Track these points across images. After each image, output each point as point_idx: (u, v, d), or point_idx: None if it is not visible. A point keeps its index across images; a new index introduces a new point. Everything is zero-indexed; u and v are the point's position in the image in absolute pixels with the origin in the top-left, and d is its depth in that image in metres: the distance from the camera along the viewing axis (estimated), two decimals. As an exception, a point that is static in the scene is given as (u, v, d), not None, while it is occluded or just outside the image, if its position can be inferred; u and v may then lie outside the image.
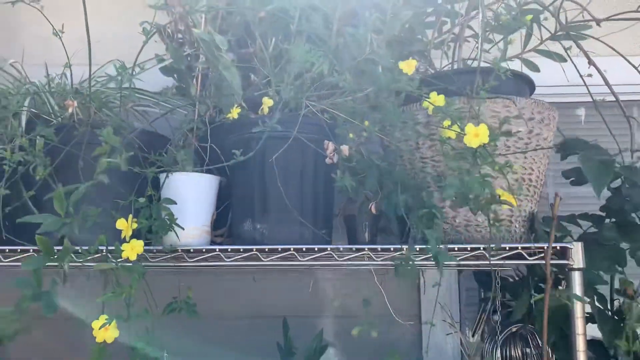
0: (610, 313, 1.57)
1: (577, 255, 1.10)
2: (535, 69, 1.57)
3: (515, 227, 1.24)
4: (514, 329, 1.51)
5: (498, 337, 1.50)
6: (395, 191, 1.15)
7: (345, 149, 1.06)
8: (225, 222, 1.33)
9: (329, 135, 1.17)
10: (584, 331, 1.09)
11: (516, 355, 1.55)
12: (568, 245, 1.11)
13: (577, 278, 1.10)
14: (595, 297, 1.53)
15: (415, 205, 1.14)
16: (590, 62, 1.37)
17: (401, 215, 1.14)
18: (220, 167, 1.20)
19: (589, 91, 1.55)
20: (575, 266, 1.10)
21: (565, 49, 1.50)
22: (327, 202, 1.22)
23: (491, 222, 1.07)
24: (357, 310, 1.90)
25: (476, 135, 1.00)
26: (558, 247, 1.13)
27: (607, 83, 1.38)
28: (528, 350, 1.57)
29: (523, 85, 1.36)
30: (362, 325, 1.73)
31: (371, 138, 1.20)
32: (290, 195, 1.15)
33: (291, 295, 1.93)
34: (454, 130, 1.08)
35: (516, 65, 1.54)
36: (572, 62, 1.51)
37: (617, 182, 1.55)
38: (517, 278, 1.61)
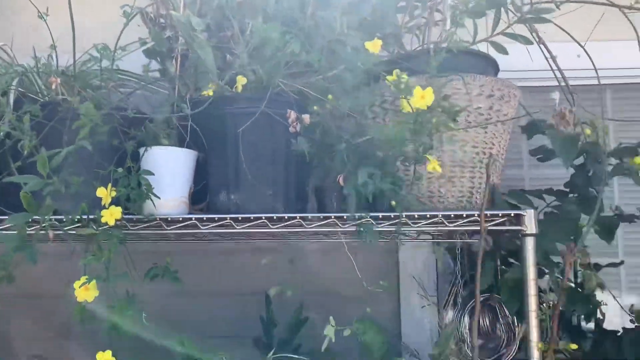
0: (574, 284, 1.64)
1: (530, 222, 1.17)
2: (504, 51, 1.63)
3: (476, 198, 1.31)
4: (481, 299, 1.58)
5: (466, 307, 1.57)
6: (360, 164, 1.22)
7: (306, 117, 1.12)
8: (205, 198, 1.40)
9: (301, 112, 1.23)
10: (535, 292, 1.16)
11: (484, 324, 1.62)
12: (522, 213, 1.18)
13: (529, 243, 1.17)
14: (555, 269, 1.60)
15: (380, 177, 1.21)
16: (541, 42, 1.43)
17: (365, 186, 1.21)
18: (198, 142, 1.28)
19: (555, 75, 1.61)
20: (528, 232, 1.17)
21: (531, 32, 1.56)
22: (300, 175, 1.28)
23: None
24: (337, 286, 1.99)
25: (422, 97, 1.07)
26: (512, 214, 1.19)
27: (557, 67, 1.44)
28: (496, 319, 1.64)
29: (487, 66, 1.42)
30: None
31: (341, 115, 1.26)
32: (262, 168, 1.22)
33: (273, 273, 2.00)
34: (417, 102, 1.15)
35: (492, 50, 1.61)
36: (540, 46, 1.58)
37: (581, 160, 1.63)
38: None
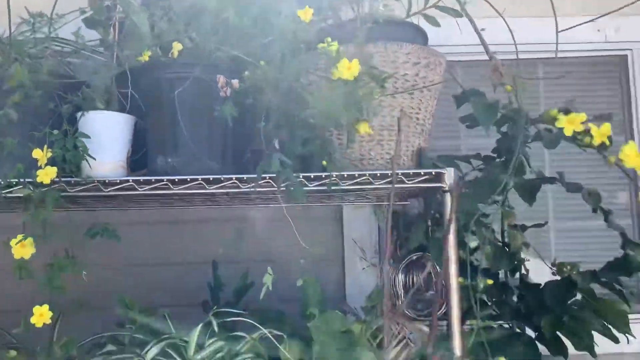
0: (501, 243, 1.75)
1: (450, 180, 1.25)
2: (436, 23, 1.70)
3: (404, 160, 1.38)
4: (414, 257, 1.67)
5: (399, 266, 1.66)
6: (295, 128, 1.28)
7: (235, 82, 1.17)
8: (146, 165, 1.44)
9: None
10: (455, 243, 1.25)
11: (418, 282, 1.71)
12: (442, 171, 1.26)
13: (449, 200, 1.25)
14: (483, 229, 1.70)
15: (312, 141, 1.27)
16: (465, 15, 1.51)
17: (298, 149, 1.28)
18: (141, 110, 1.31)
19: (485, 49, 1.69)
20: (447, 189, 1.25)
21: (461, 4, 1.64)
22: (238, 139, 1.33)
23: (349, 139, 1.21)
24: (285, 254, 2.05)
25: (349, 69, 1.13)
26: (434, 173, 1.27)
27: (482, 41, 1.52)
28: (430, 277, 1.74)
29: (416, 36, 1.49)
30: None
31: (276, 81, 1.31)
32: (199, 132, 1.26)
33: (220, 242, 2.05)
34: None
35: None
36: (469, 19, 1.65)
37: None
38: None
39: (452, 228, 1.24)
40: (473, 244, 1.61)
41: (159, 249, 2.05)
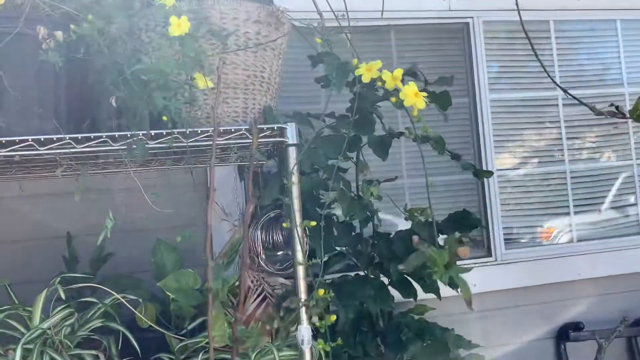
0: (355, 195, 1.84)
1: (292, 134, 1.28)
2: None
3: (251, 117, 1.40)
4: (272, 215, 1.71)
5: (258, 223, 1.69)
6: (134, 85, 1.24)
7: (59, 34, 1.11)
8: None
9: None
10: (298, 194, 1.29)
11: (277, 238, 1.75)
12: (284, 126, 1.29)
13: (291, 153, 1.29)
14: (341, 182, 1.78)
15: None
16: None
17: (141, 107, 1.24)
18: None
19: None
20: (289, 142, 1.28)
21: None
22: (73, 97, 1.26)
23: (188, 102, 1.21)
24: (150, 223, 1.99)
25: (178, 26, 1.12)
26: (275, 127, 1.30)
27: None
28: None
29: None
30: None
31: (113, 37, 1.26)
32: (28, 90, 1.18)
33: (77, 216, 1.95)
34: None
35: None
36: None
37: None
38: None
39: (296, 180, 1.28)
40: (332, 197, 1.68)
41: (10, 225, 1.92)
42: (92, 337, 1.33)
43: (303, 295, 1.27)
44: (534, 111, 2.60)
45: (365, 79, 1.34)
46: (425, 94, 1.53)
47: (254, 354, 1.29)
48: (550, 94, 2.59)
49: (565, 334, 2.40)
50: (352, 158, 1.85)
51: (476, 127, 2.48)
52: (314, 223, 1.28)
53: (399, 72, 1.31)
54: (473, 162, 2.50)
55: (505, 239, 2.47)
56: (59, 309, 1.31)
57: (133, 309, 1.39)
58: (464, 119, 2.52)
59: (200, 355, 1.29)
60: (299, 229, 1.28)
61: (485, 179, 2.46)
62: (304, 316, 1.27)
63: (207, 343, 1.29)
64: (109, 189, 2.05)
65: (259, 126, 1.28)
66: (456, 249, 1.34)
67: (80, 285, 1.40)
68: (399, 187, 2.42)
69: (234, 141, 1.26)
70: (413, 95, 1.30)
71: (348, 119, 1.77)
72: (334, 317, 1.16)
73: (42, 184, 1.83)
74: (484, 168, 2.47)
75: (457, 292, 1.68)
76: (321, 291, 1.20)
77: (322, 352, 1.39)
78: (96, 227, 1.97)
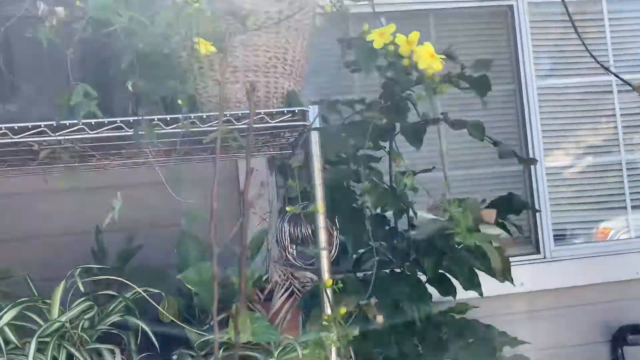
0: (388, 187, 1.73)
1: (314, 116, 1.19)
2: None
3: (273, 102, 1.32)
4: (302, 207, 1.62)
5: (285, 216, 1.60)
6: (151, 70, 1.18)
7: (60, 10, 1.05)
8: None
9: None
10: (321, 182, 1.20)
11: (307, 233, 1.67)
12: (305, 109, 1.20)
13: (314, 138, 1.20)
14: (372, 173, 1.68)
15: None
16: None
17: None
18: None
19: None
20: (312, 126, 1.19)
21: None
22: (88, 82, 1.21)
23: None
24: (177, 217, 1.95)
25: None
26: (297, 110, 1.22)
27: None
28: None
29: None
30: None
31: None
32: (38, 78, 1.14)
33: (103, 211, 1.92)
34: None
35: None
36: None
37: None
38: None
39: (319, 165, 1.19)
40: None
41: (38, 220, 1.91)
42: (112, 331, 1.28)
43: (329, 292, 1.18)
44: (586, 99, 2.41)
45: (377, 45, 1.23)
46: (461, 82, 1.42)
47: (277, 351, 1.21)
48: (604, 79, 2.40)
49: (623, 337, 2.21)
50: (385, 147, 1.75)
51: (522, 116, 2.32)
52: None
53: (415, 36, 1.19)
54: (520, 154, 2.35)
55: (554, 235, 2.30)
56: (78, 301, 1.26)
57: (155, 304, 1.33)
58: (510, 108, 2.37)
59: (221, 351, 1.22)
60: (322, 219, 1.18)
61: (533, 170, 2.30)
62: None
63: (228, 339, 1.22)
64: (141, 182, 2.01)
65: (278, 109, 1.20)
66: (480, 211, 1.17)
67: (100, 277, 1.35)
68: (438, 179, 2.29)
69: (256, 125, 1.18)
70: (428, 56, 1.17)
71: (379, 105, 1.68)
72: (343, 310, 1.06)
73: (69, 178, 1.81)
74: (533, 167, 2.31)
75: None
76: (329, 281, 1.10)
77: (351, 352, 1.29)
78: (126, 222, 1.96)
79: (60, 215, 1.94)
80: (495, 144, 1.57)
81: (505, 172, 2.34)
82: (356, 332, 1.13)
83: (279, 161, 1.82)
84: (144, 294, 1.32)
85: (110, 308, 1.32)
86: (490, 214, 1.16)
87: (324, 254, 1.17)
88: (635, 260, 2.29)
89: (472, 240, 1.11)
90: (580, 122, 2.41)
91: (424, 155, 2.22)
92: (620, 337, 2.21)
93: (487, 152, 2.31)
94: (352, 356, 1.30)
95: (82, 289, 1.28)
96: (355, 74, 2.22)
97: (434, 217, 1.41)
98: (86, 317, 1.26)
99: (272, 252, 1.61)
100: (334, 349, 1.17)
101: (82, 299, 1.27)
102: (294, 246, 1.60)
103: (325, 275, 1.17)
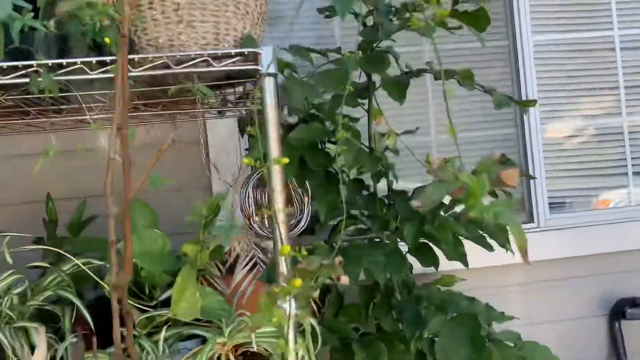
0: (368, 148, 1.56)
1: (267, 60, 1.02)
2: None
3: (224, 45, 1.14)
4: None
5: (248, 181, 1.45)
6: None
7: None
8: None
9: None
10: (277, 135, 1.03)
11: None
12: (257, 50, 1.03)
13: (268, 84, 1.02)
14: (350, 133, 1.50)
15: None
16: None
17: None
18: None
19: None
20: (265, 71, 1.02)
21: None
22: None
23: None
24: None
25: None
26: (246, 52, 1.04)
27: None
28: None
29: None
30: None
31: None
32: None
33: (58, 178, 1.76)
34: None
35: None
36: None
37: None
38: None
39: (274, 118, 1.02)
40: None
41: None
42: (45, 308, 1.13)
43: (283, 260, 1.02)
44: (585, 55, 2.23)
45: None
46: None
47: (229, 328, 1.05)
48: (605, 34, 2.21)
49: (621, 310, 2.06)
50: (363, 105, 1.57)
51: (517, 74, 2.14)
52: (285, 160, 1.01)
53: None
54: (514, 118, 2.17)
55: (550, 203, 2.14)
56: (4, 275, 1.11)
57: (95, 277, 1.18)
58: (505, 67, 2.18)
59: (164, 330, 1.07)
60: (278, 177, 1.02)
61: (527, 135, 2.13)
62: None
63: (174, 315, 1.07)
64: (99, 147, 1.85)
65: (225, 51, 1.02)
66: (499, 172, 0.88)
67: (30, 247, 1.19)
68: (425, 144, 2.13)
69: (197, 69, 1.01)
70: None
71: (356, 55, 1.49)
72: (299, 282, 0.90)
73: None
74: (527, 124, 2.14)
75: (507, 247, 1.38)
76: (286, 248, 0.94)
77: (316, 328, 1.14)
78: (80, 190, 1.80)
79: (13, 183, 1.78)
80: (487, 91, 1.39)
81: (497, 135, 2.17)
82: (315, 294, 0.96)
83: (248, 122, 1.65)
84: (83, 266, 1.16)
85: (46, 283, 1.16)
86: (512, 175, 0.86)
87: (280, 218, 1.01)
88: (636, 230, 2.14)
89: (490, 214, 0.86)
90: (579, 82, 2.23)
91: (408, 119, 2.07)
92: (618, 311, 2.07)
93: (478, 114, 2.15)
94: (317, 333, 1.15)
95: (9, 260, 1.12)
96: (335, 24, 2.05)
97: (437, 182, 1.22)
98: (15, 292, 1.11)
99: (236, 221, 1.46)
100: (291, 325, 1.01)
101: (9, 272, 1.11)
102: (259, 214, 1.44)
103: (282, 242, 1.00)
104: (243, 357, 1.06)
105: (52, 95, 0.89)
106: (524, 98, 2.11)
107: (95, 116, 1.29)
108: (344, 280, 1.10)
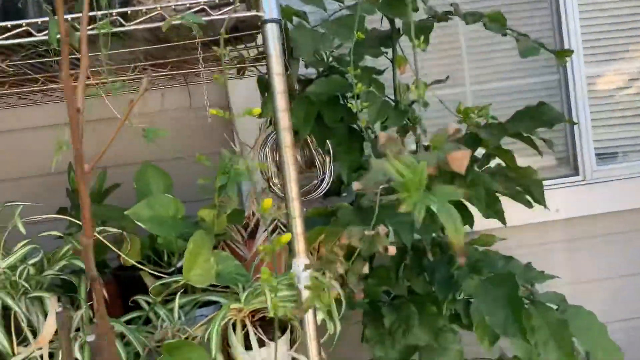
0: (393, 101, 1.46)
1: (270, 5, 0.93)
2: None
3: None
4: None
5: (266, 142, 1.38)
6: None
7: None
8: None
9: None
10: (283, 88, 0.94)
11: (300, 159, 1.44)
12: (258, -6, 0.94)
13: (270, 32, 0.94)
14: (373, 85, 1.41)
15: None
16: None
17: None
18: None
19: None
20: (267, 17, 0.93)
21: None
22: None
23: None
24: (162, 155, 1.75)
25: None
26: (247, -2, 0.95)
27: None
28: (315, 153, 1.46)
29: None
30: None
31: None
32: None
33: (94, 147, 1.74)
34: None
35: None
36: None
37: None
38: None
39: (280, 69, 0.94)
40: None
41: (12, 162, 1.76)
42: (62, 277, 1.11)
43: (298, 222, 0.95)
44: None
45: None
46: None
47: (245, 293, 1.01)
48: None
49: (677, 266, 1.93)
50: (387, 54, 1.46)
51: (558, 18, 1.97)
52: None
53: None
54: (557, 64, 2.01)
55: (597, 154, 1.99)
56: (19, 245, 1.09)
57: (110, 245, 1.15)
58: (544, 9, 2.01)
59: (177, 297, 1.03)
60: (287, 135, 0.94)
61: (570, 80, 1.97)
62: (299, 247, 0.95)
63: (188, 281, 1.03)
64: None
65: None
66: (445, 154, 0.73)
67: (45, 217, 1.17)
68: (459, 95, 2.00)
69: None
70: None
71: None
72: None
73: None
74: (570, 73, 1.97)
75: (543, 204, 1.29)
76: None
77: (339, 292, 1.08)
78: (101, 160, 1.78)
79: (36, 154, 1.77)
80: (519, 37, 1.26)
81: (538, 83, 2.02)
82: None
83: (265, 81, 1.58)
84: (99, 236, 1.13)
85: (62, 252, 1.14)
86: (461, 160, 0.70)
87: (292, 176, 0.94)
88: (693, 180, 1.97)
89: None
90: (625, 21, 2.04)
91: (440, 70, 1.94)
92: (673, 267, 1.93)
93: (516, 61, 2.00)
94: (339, 291, 1.08)
95: (23, 231, 1.10)
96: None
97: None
98: (31, 262, 1.09)
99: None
100: (303, 290, 0.95)
101: (24, 242, 1.09)
102: (279, 176, 1.38)
103: (294, 204, 0.94)
104: (261, 323, 1.01)
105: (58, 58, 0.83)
106: (565, 41, 1.95)
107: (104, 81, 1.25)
108: (392, 250, 1.01)
